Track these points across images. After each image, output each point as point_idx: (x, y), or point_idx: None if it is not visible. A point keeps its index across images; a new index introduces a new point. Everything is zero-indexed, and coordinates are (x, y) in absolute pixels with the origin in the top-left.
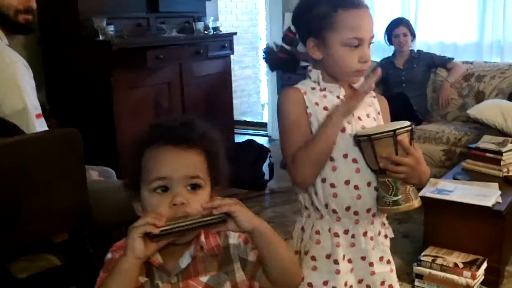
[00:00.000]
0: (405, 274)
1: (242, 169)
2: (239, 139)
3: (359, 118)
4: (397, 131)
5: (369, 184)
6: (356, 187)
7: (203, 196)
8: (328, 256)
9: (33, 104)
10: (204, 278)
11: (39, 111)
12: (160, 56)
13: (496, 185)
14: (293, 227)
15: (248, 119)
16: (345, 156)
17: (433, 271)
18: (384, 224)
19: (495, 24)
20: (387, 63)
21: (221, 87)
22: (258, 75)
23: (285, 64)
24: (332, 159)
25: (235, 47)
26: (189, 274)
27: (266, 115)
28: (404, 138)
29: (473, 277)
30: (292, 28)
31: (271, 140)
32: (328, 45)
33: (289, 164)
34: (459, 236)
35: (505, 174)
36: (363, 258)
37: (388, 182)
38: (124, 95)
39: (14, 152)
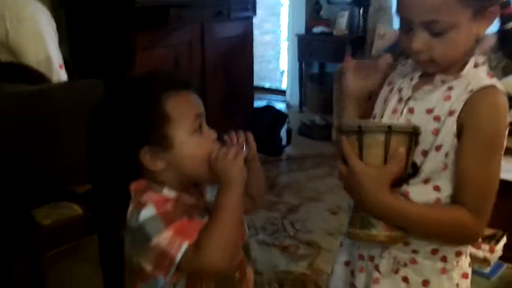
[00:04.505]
0: None
1: (259, 134)
2: (257, 104)
3: (410, 111)
4: (362, 127)
5: None
6: None
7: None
8: None
9: (56, 55)
10: None
11: (61, 62)
12: (182, 15)
13: None
14: None
15: (267, 85)
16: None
17: None
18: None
19: None
20: None
21: (241, 51)
22: (279, 41)
23: None
24: None
25: (256, 11)
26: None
27: (284, 82)
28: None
29: (491, 251)
30: None
31: (289, 106)
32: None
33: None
34: None
35: None
36: None
37: None
38: (145, 53)
39: (39, 100)
